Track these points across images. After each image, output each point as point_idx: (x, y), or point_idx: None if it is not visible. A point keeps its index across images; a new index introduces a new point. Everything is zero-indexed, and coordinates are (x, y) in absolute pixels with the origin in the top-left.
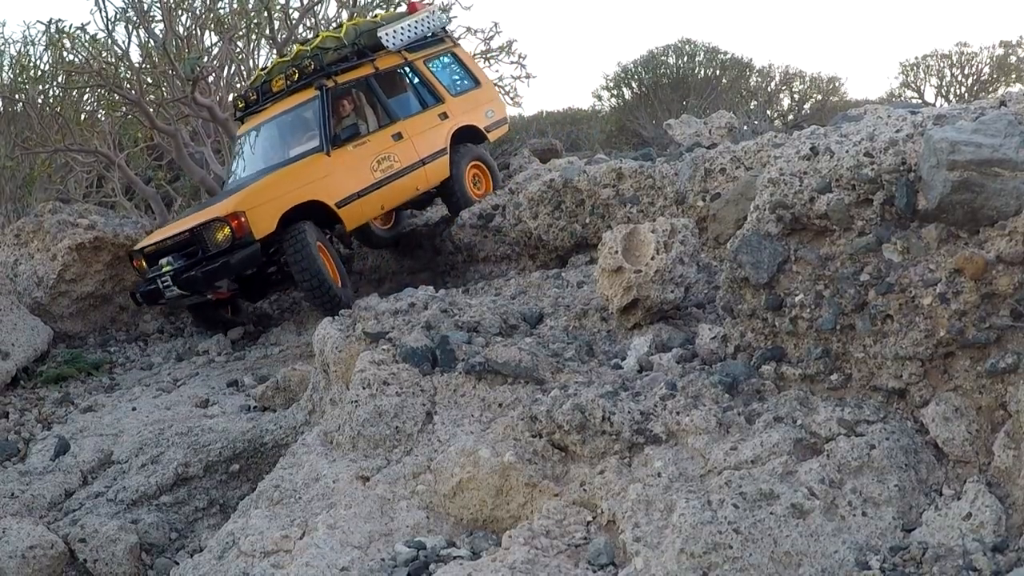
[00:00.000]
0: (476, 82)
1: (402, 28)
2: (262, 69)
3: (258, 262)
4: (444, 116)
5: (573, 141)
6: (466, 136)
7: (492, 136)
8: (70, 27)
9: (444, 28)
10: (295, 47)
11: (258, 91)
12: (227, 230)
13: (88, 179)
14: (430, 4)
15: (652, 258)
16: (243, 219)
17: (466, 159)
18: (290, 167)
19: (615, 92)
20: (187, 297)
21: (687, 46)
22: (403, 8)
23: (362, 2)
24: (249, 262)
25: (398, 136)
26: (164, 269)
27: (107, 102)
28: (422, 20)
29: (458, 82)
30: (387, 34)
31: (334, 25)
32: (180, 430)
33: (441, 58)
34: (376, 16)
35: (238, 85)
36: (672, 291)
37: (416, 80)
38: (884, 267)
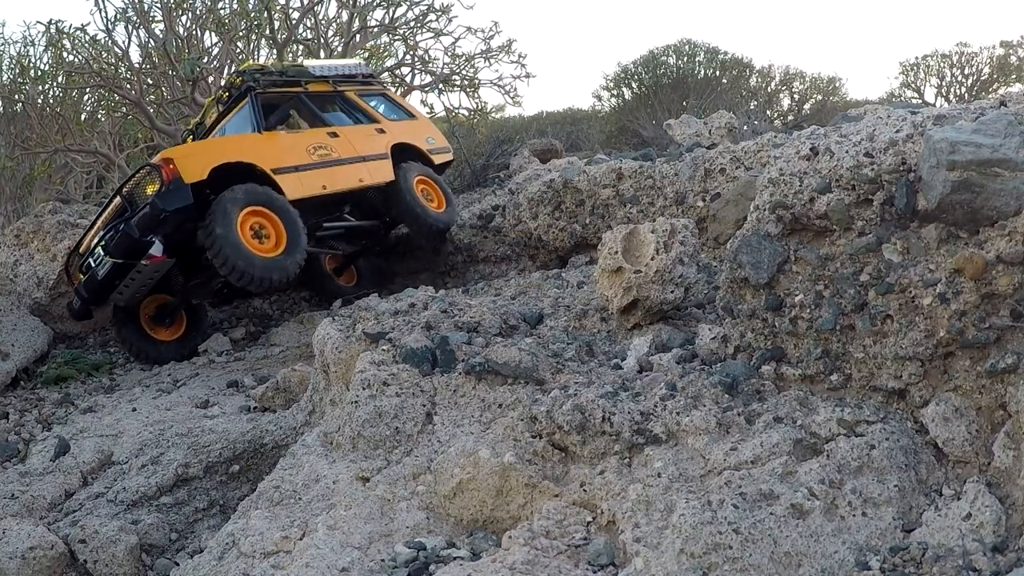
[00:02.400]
0: (411, 115)
1: (329, 63)
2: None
3: (188, 206)
4: (381, 131)
5: (573, 141)
6: (409, 157)
7: (436, 159)
8: (70, 27)
9: (372, 75)
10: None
11: (194, 132)
12: (156, 181)
13: (88, 179)
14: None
15: (652, 258)
16: (172, 165)
17: (412, 172)
18: (223, 138)
19: (615, 92)
20: (119, 266)
21: (687, 46)
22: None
23: (362, 2)
24: (178, 201)
25: (333, 134)
26: (96, 249)
27: (107, 102)
28: (348, 64)
29: (391, 114)
30: (313, 65)
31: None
32: (180, 431)
33: (372, 96)
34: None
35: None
36: (672, 291)
37: (348, 106)
38: (884, 267)
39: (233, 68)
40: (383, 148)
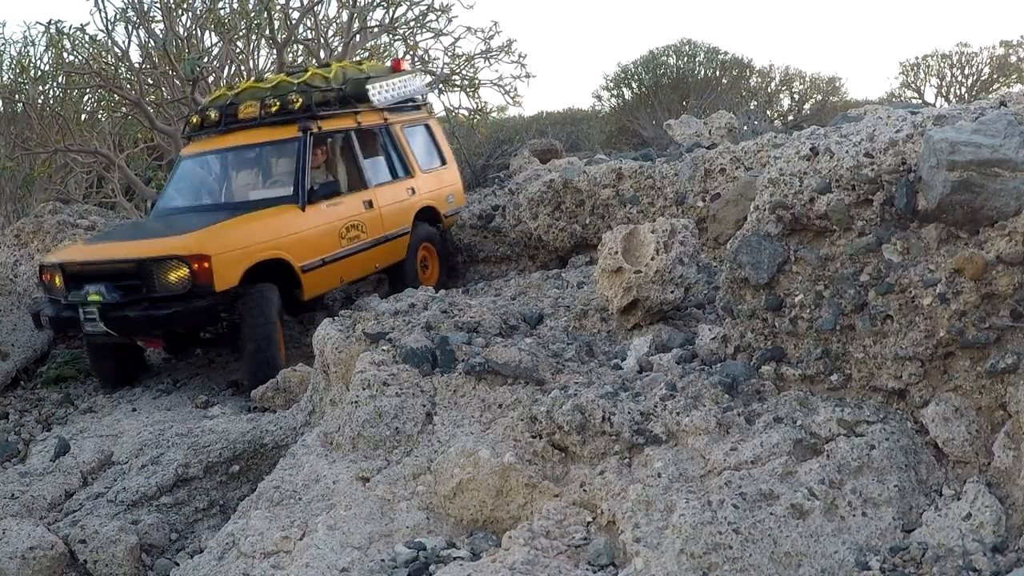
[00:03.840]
0: (443, 161)
1: (390, 85)
2: (228, 87)
3: (214, 319)
4: (412, 192)
5: (573, 141)
6: (423, 216)
7: (447, 223)
8: (70, 28)
9: (424, 96)
10: (272, 76)
11: (222, 112)
12: (185, 272)
13: (88, 179)
14: (414, 68)
15: (652, 258)
16: (207, 264)
17: (419, 239)
18: (261, 214)
19: (615, 92)
20: (110, 336)
21: (687, 46)
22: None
23: (362, 2)
24: (205, 317)
25: (369, 204)
26: (91, 299)
27: (107, 102)
28: (408, 81)
29: (428, 157)
30: (376, 88)
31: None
32: (180, 431)
33: (416, 127)
34: (361, 64)
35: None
36: (672, 291)
37: (391, 146)
38: (884, 267)
39: (267, 69)
40: (408, 220)
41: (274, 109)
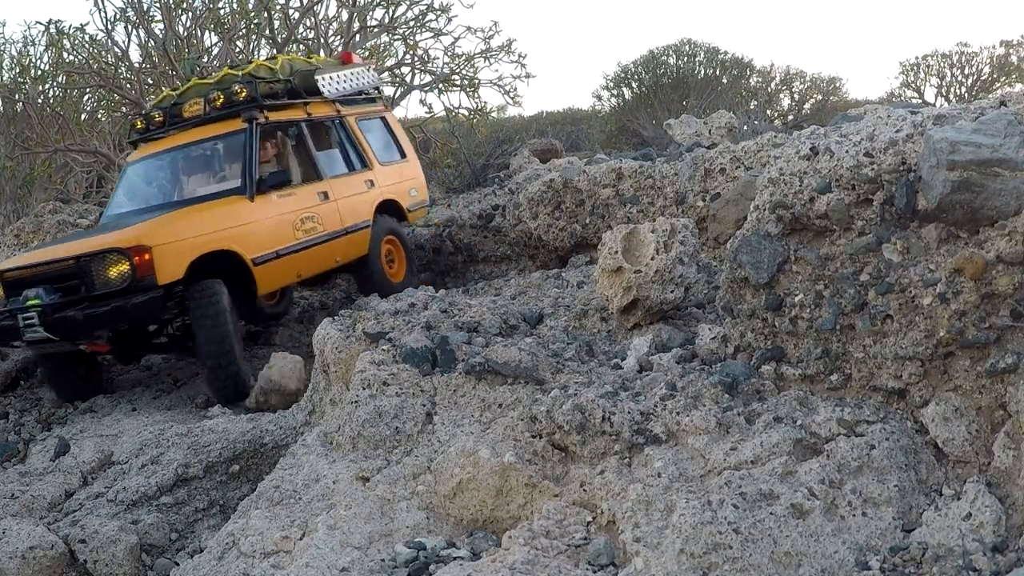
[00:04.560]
0: (403, 155)
1: (341, 77)
2: (172, 89)
3: (160, 314)
4: (371, 184)
5: (573, 141)
6: (385, 209)
7: (412, 217)
8: (70, 27)
9: (378, 88)
10: (223, 69)
11: (166, 113)
12: (125, 266)
13: (88, 179)
14: (367, 59)
15: (652, 258)
16: (148, 255)
17: (382, 232)
18: (206, 206)
19: (615, 92)
20: (54, 342)
21: (687, 46)
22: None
23: (362, 2)
24: (149, 311)
25: (324, 196)
26: (30, 303)
27: (107, 102)
28: (359, 73)
29: (386, 151)
30: (325, 79)
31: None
32: (180, 431)
33: (372, 120)
34: (311, 57)
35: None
36: (672, 291)
37: (345, 138)
38: (884, 267)
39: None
40: (368, 213)
41: (219, 103)
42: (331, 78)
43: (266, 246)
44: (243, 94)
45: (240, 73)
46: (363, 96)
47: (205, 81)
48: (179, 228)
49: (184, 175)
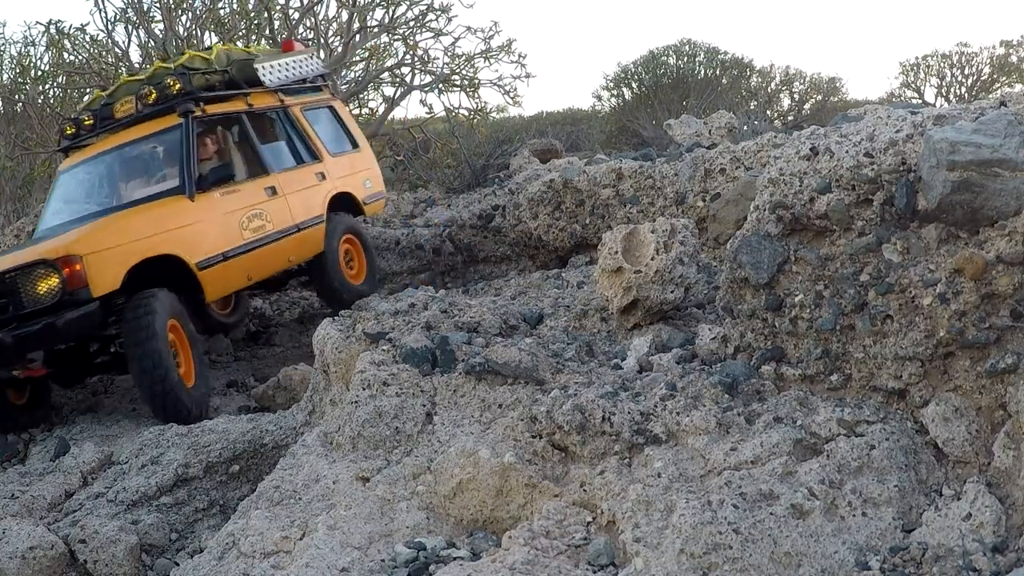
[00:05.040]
0: (355, 144)
1: (281, 65)
2: (102, 89)
3: (98, 330)
4: (322, 177)
5: (573, 141)
6: (340, 205)
7: (369, 211)
8: (70, 28)
9: (324, 76)
10: (155, 63)
11: (96, 115)
12: (55, 279)
13: None
14: (308, 46)
15: (652, 258)
16: (79, 266)
17: (339, 230)
18: (143, 208)
19: (615, 92)
20: None
21: (687, 46)
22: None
23: (362, 2)
24: (85, 328)
25: (272, 191)
26: None
27: None
28: (302, 61)
29: (336, 141)
30: (264, 67)
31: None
32: (180, 431)
33: (319, 110)
34: (249, 47)
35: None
36: (672, 291)
37: (291, 130)
38: (884, 267)
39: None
40: (320, 207)
41: (151, 99)
42: (272, 67)
43: (211, 248)
44: (176, 87)
45: (173, 65)
46: (308, 85)
47: (136, 77)
48: (112, 234)
49: (120, 179)
